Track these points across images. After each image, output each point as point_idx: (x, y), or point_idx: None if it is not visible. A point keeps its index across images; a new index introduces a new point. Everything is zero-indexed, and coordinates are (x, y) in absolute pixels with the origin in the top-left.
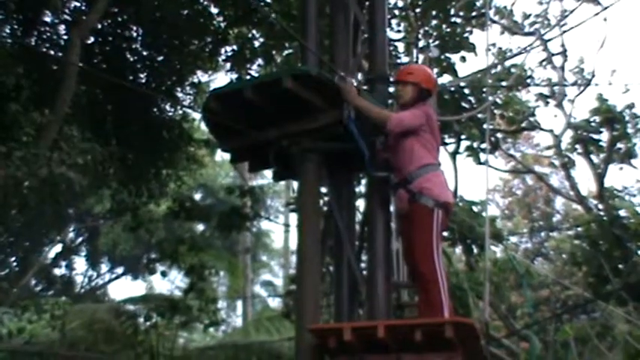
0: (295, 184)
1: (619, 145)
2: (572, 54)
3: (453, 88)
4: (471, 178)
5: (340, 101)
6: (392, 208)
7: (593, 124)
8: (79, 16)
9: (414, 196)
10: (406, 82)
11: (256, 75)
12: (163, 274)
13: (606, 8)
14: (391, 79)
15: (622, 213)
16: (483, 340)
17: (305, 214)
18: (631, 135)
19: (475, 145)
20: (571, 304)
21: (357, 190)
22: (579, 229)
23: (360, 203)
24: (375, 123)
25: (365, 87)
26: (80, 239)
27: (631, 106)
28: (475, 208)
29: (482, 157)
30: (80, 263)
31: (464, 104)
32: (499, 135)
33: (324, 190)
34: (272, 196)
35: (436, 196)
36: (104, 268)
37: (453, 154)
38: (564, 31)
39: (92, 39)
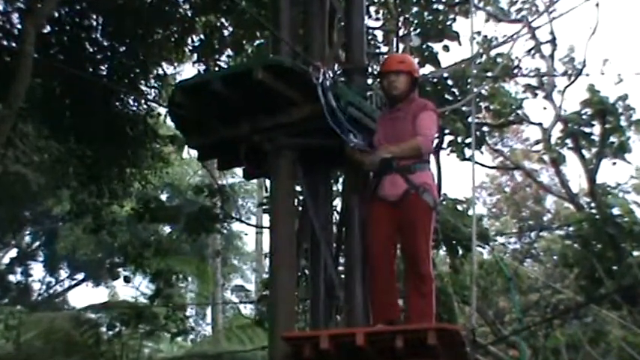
0: (268, 183)
1: (612, 138)
2: (561, 42)
3: (435, 79)
4: (456, 175)
5: (315, 94)
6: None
7: (584, 116)
8: (34, 3)
9: (416, 188)
10: (399, 72)
11: (225, 66)
12: (127, 279)
13: None
14: (382, 69)
15: (615, 211)
16: (469, 348)
17: (278, 215)
18: (624, 128)
19: (460, 139)
20: (562, 309)
21: (334, 188)
22: (570, 228)
23: (338, 203)
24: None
25: (342, 79)
26: (37, 243)
27: (624, 98)
28: (460, 207)
29: (468, 152)
30: (37, 269)
31: (447, 96)
32: (485, 129)
33: (299, 188)
34: (243, 195)
35: (435, 196)
36: (63, 274)
37: (436, 150)
38: (553, 18)
39: (48, 28)
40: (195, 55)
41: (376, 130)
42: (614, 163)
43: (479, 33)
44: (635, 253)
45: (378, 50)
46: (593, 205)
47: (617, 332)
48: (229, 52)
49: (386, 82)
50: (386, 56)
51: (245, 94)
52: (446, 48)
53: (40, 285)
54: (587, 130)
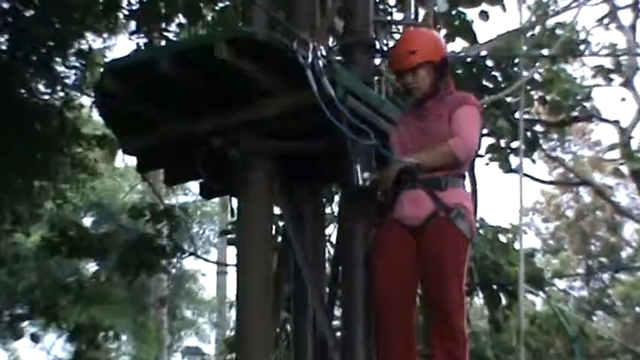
0: (235, 203)
1: None
2: None
3: (469, 59)
4: (497, 192)
5: (301, 79)
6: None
7: None
8: None
9: (447, 210)
10: (415, 68)
11: (175, 40)
12: (35, 338)
13: None
14: (391, 67)
15: None
16: None
17: (249, 247)
18: None
19: (503, 143)
20: None
21: (327, 210)
22: None
23: (332, 229)
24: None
25: (338, 57)
26: None
27: None
28: (504, 238)
29: (514, 161)
30: None
31: (486, 83)
32: (539, 128)
33: (277, 210)
34: (200, 220)
35: (473, 222)
36: None
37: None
38: None
39: None
40: (133, 24)
41: (393, 133)
42: None
43: None
44: None
45: (389, 17)
46: None
47: None
48: (181, 19)
49: (402, 83)
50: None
51: (203, 79)
52: (484, 15)
53: None
54: None
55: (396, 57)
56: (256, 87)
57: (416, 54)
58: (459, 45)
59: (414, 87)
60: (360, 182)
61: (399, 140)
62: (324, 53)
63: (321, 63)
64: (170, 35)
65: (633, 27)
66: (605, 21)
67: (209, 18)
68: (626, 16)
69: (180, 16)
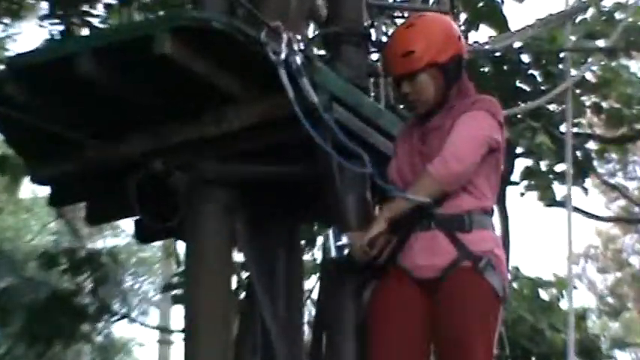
0: (182, 248)
1: None
2: None
3: (498, 54)
4: (537, 232)
5: (271, 81)
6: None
7: None
8: None
9: (473, 259)
10: (413, 74)
11: (101, 29)
12: None
13: None
14: (385, 70)
15: None
16: None
17: (201, 308)
18: None
19: (544, 166)
20: None
21: (305, 256)
22: None
23: (314, 282)
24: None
25: (321, 52)
26: None
27: None
28: (545, 294)
29: (560, 190)
30: None
31: (520, 85)
32: (593, 146)
33: (240, 258)
34: (136, 271)
35: (505, 275)
36: None
37: (500, 187)
38: None
39: None
40: (45, 5)
41: (393, 159)
42: None
43: None
44: None
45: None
46: None
47: None
48: None
49: (400, 93)
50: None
51: (139, 82)
52: None
53: None
54: None
55: (388, 59)
56: (211, 92)
57: (413, 55)
58: (484, 34)
59: (412, 100)
60: (333, 253)
61: (396, 167)
62: (302, 47)
63: (298, 60)
64: (95, 21)
65: None
66: None
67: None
68: None
69: None
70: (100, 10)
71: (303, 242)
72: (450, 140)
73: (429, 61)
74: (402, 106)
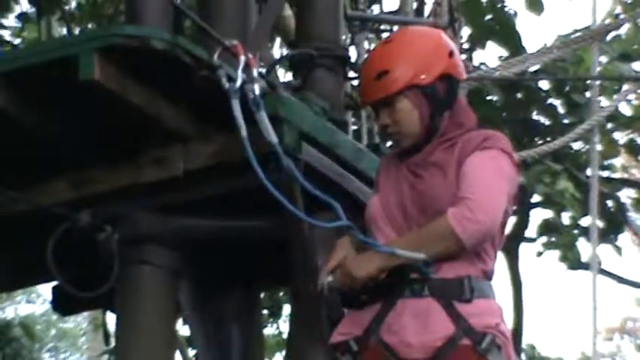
0: (113, 321)
1: None
2: None
3: (510, 79)
4: (559, 301)
5: (226, 113)
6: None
7: None
8: None
9: (474, 338)
10: (388, 100)
11: (15, 46)
12: None
13: None
14: (361, 101)
15: None
16: None
17: None
18: None
19: (567, 219)
20: None
21: (267, 329)
22: None
23: None
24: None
25: (289, 79)
26: None
27: None
28: None
29: (586, 249)
30: None
31: (538, 117)
32: (628, 195)
33: (186, 332)
34: (56, 346)
35: (512, 355)
36: None
37: (512, 245)
38: None
39: None
40: None
41: (374, 194)
42: None
43: None
44: None
45: (373, 10)
46: None
47: None
48: (25, 6)
49: (378, 125)
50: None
51: (60, 115)
52: (535, 3)
53: None
54: None
55: (362, 83)
56: (151, 128)
57: (387, 76)
58: (492, 54)
59: (392, 132)
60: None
61: (382, 209)
62: (263, 71)
63: (257, 88)
64: (5, 34)
65: None
66: None
67: (71, 7)
68: None
69: (24, 1)
70: (11, 21)
71: (265, 312)
72: (471, 186)
73: (407, 82)
74: (388, 145)
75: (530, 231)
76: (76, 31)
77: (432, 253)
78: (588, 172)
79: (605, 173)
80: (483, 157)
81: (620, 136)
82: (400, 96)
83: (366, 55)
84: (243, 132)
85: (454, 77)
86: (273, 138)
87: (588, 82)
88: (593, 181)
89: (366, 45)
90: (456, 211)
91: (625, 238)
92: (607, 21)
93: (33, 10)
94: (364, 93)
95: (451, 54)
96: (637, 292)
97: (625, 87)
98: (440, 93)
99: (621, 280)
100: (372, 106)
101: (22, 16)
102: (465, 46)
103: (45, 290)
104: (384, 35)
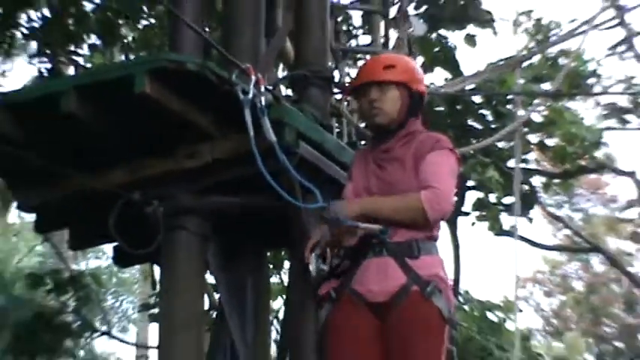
0: (158, 272)
1: None
2: None
3: (452, 95)
4: (487, 259)
5: (241, 119)
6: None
7: None
8: None
9: (421, 284)
10: (385, 84)
11: (86, 68)
12: None
13: None
14: (358, 80)
15: None
16: None
17: (175, 326)
18: None
19: (494, 198)
20: None
21: (272, 280)
22: None
23: (280, 304)
24: (402, 221)
25: (289, 94)
26: None
27: None
28: (493, 316)
29: (508, 221)
30: None
31: (472, 123)
32: (540, 181)
33: (212, 280)
34: (116, 291)
35: (451, 298)
36: None
37: (452, 217)
38: None
39: None
40: (34, 44)
41: (348, 181)
42: None
43: (528, 14)
44: None
45: (353, 44)
46: None
47: None
48: (93, 40)
49: (365, 102)
50: (367, 57)
51: (119, 118)
52: (470, 40)
53: None
54: None
55: (367, 69)
56: (186, 129)
57: (394, 69)
58: (439, 77)
59: (378, 106)
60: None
61: (352, 189)
62: (270, 87)
63: (263, 99)
64: (80, 60)
65: None
66: (620, 49)
67: (128, 40)
68: None
69: (93, 36)
70: (85, 50)
71: (270, 266)
72: (435, 176)
73: (405, 80)
74: (362, 143)
75: (466, 207)
76: (132, 57)
77: (401, 219)
78: (510, 163)
79: (522, 165)
80: (441, 155)
81: (533, 138)
82: (395, 85)
83: (346, 77)
84: (251, 132)
85: (424, 96)
86: (273, 138)
87: (510, 97)
88: (516, 171)
89: (346, 69)
90: (427, 196)
91: (536, 213)
92: (523, 52)
93: (100, 42)
94: (369, 75)
95: (423, 78)
96: (543, 252)
97: (536, 101)
98: (417, 101)
99: (532, 243)
100: (369, 86)
101: (92, 47)
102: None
103: (108, 249)
104: (360, 63)
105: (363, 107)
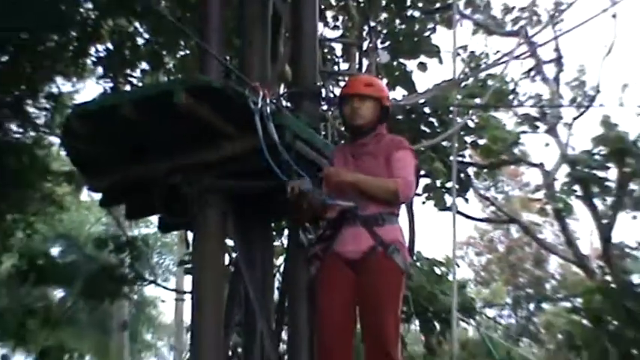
0: (191, 236)
1: (632, 185)
2: (569, 62)
3: (408, 107)
4: (433, 228)
5: (253, 124)
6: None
7: (597, 157)
8: None
9: (384, 246)
10: (365, 97)
11: (139, 85)
12: (5, 358)
13: (617, 2)
14: (344, 92)
15: (636, 279)
16: None
17: (203, 277)
18: None
19: (439, 183)
20: None
21: (275, 243)
22: (579, 300)
23: (281, 261)
24: (378, 197)
25: (288, 104)
26: None
27: None
28: (438, 270)
29: (449, 200)
30: None
31: (423, 128)
32: (472, 170)
33: (230, 243)
34: (160, 251)
35: (407, 256)
36: None
37: None
38: (559, 32)
39: None
40: (100, 69)
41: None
42: (635, 217)
43: (464, 48)
44: None
45: (335, 68)
46: (607, 270)
47: None
48: (144, 66)
49: (348, 109)
50: (348, 77)
51: (163, 122)
52: (422, 66)
53: None
54: (600, 174)
55: (352, 85)
56: (212, 130)
57: (371, 87)
58: (399, 93)
59: (358, 112)
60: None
61: None
62: (273, 100)
63: (268, 109)
64: (134, 80)
65: (557, 79)
66: (532, 74)
67: (170, 65)
68: (550, 70)
69: (144, 63)
70: (137, 73)
71: (274, 233)
72: (404, 170)
73: (379, 96)
74: (342, 142)
75: (419, 190)
76: (172, 78)
77: (378, 195)
78: (450, 158)
79: (459, 159)
80: (405, 154)
81: (468, 139)
82: (372, 99)
83: (331, 92)
84: (260, 134)
85: (389, 109)
86: (276, 137)
87: (451, 108)
88: (454, 163)
89: (330, 87)
90: (399, 183)
91: (470, 194)
92: (461, 76)
93: (148, 67)
94: (354, 89)
95: (389, 95)
96: (475, 223)
97: (470, 112)
98: (385, 112)
99: (467, 216)
100: (352, 97)
101: (143, 71)
102: None
103: (154, 219)
104: (341, 83)
105: (347, 112)
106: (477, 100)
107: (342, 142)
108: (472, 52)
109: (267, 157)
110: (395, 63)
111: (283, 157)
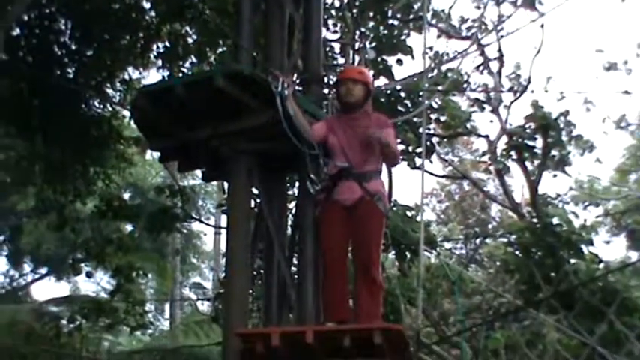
0: (226, 186)
1: (553, 152)
2: (508, 60)
3: (388, 91)
4: (406, 182)
5: (273, 102)
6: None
7: (528, 130)
8: (4, 5)
9: (371, 196)
10: (357, 81)
11: (188, 73)
12: (89, 274)
13: (543, 15)
14: (341, 76)
15: (554, 221)
16: (413, 347)
17: (235, 216)
18: (565, 142)
19: (411, 149)
20: (503, 312)
21: (289, 192)
22: (512, 236)
23: (293, 205)
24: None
25: (299, 88)
26: (2, 237)
27: (565, 114)
28: (410, 213)
29: (418, 161)
30: (1, 262)
31: (400, 107)
32: (435, 140)
33: (255, 191)
34: (203, 197)
35: (387, 204)
36: (27, 267)
37: None
38: (501, 37)
39: (18, 31)
40: (160, 61)
41: (328, 129)
42: (555, 176)
43: (431, 48)
44: (572, 261)
45: (334, 62)
46: (534, 214)
47: (552, 335)
48: (192, 59)
49: (343, 89)
50: (343, 67)
51: (206, 100)
52: (399, 62)
53: (4, 278)
54: (530, 143)
55: (347, 71)
56: (243, 106)
57: (361, 75)
58: (382, 81)
59: (351, 92)
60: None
61: (339, 144)
62: (289, 84)
63: (286, 92)
64: (185, 70)
65: (499, 72)
66: (480, 68)
67: (211, 58)
68: (494, 65)
69: (192, 57)
70: (187, 64)
71: (288, 185)
72: (392, 142)
73: (366, 82)
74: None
75: None
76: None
77: (390, 153)
78: (420, 130)
79: (427, 131)
80: (391, 131)
81: (433, 116)
82: (362, 83)
83: (331, 80)
84: (280, 111)
85: (373, 92)
86: (292, 112)
87: (420, 93)
88: (423, 134)
89: (331, 76)
90: (396, 151)
91: (434, 157)
92: (429, 69)
93: (195, 60)
94: (348, 75)
95: (374, 82)
96: (437, 179)
97: (435, 95)
98: (369, 94)
99: (431, 174)
100: (347, 80)
101: (192, 63)
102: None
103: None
104: (338, 70)
105: (342, 91)
106: (440, 87)
107: (335, 113)
108: (437, 51)
109: (285, 127)
110: (379, 59)
111: (297, 127)
